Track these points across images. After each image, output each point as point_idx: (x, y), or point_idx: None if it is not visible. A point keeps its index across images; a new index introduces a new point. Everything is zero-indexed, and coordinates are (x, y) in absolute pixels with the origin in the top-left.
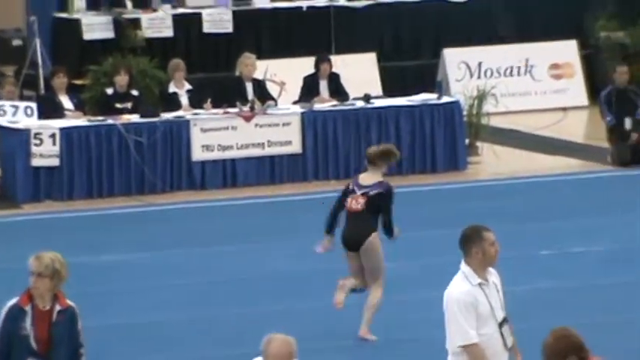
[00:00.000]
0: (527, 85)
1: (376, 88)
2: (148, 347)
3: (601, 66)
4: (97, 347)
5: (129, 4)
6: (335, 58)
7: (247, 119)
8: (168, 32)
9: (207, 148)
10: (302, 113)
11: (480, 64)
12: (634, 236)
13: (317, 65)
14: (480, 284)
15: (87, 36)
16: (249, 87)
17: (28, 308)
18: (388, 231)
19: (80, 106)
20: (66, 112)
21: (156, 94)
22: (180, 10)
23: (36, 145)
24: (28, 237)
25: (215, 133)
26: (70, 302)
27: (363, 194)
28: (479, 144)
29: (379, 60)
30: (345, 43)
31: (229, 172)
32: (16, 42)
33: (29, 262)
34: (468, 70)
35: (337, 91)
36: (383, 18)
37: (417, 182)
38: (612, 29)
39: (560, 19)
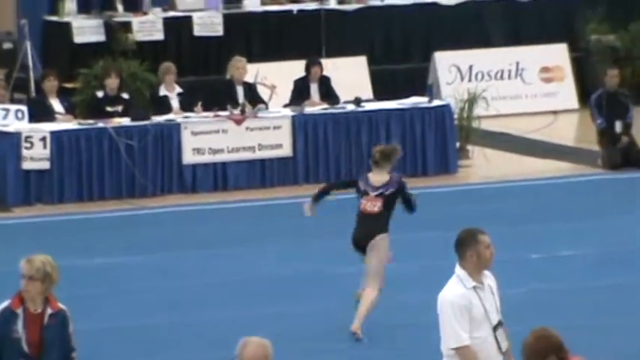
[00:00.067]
0: (517, 88)
1: (367, 92)
2: (141, 350)
3: (591, 69)
4: (89, 350)
5: (120, 8)
6: (325, 62)
7: (238, 122)
8: (159, 35)
9: (198, 151)
10: (293, 116)
11: (470, 68)
12: (624, 239)
13: (307, 68)
14: (474, 287)
15: (78, 39)
16: (240, 90)
17: (19, 311)
18: (411, 210)
19: (71, 110)
20: (57, 116)
21: (146, 97)
22: (171, 14)
23: (27, 148)
24: (18, 240)
25: (206, 137)
26: (61, 305)
27: (377, 195)
28: (469, 147)
29: (370, 63)
30: (336, 46)
31: (220, 176)
32: (7, 45)
33: (20, 265)
34: (458, 73)
35: (328, 94)
36: (373, 21)
37: (408, 185)
38: (603, 32)
39: (551, 23)
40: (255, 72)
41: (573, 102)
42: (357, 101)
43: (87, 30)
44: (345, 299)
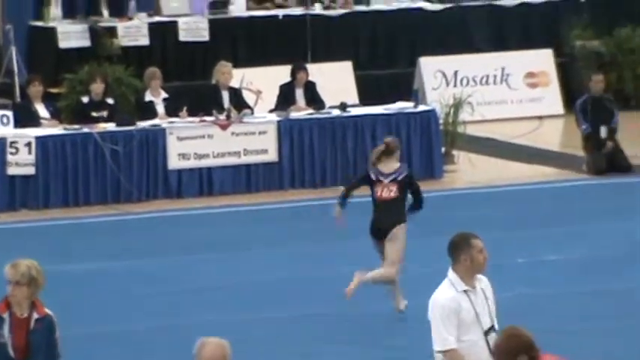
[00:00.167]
0: (503, 93)
1: (352, 97)
2: (125, 356)
3: (576, 74)
4: (74, 356)
5: (105, 13)
6: (311, 67)
7: (223, 127)
8: (144, 40)
9: (183, 156)
10: (278, 122)
11: (456, 73)
12: (610, 244)
13: (293, 74)
14: (465, 291)
15: (63, 44)
16: (226, 95)
17: (5, 316)
18: (420, 203)
19: (56, 115)
20: (42, 121)
21: (132, 102)
22: (157, 19)
23: (12, 153)
24: (3, 245)
25: (191, 142)
26: (48, 311)
27: (392, 181)
28: (455, 152)
29: (355, 68)
30: (322, 51)
31: (205, 181)
32: None
33: (5, 270)
34: (444, 78)
35: (313, 99)
36: (359, 26)
37: None
38: (587, 38)
39: (536, 28)
40: (241, 77)
41: (558, 107)
42: (343, 106)
43: (72, 35)
44: (332, 303)
